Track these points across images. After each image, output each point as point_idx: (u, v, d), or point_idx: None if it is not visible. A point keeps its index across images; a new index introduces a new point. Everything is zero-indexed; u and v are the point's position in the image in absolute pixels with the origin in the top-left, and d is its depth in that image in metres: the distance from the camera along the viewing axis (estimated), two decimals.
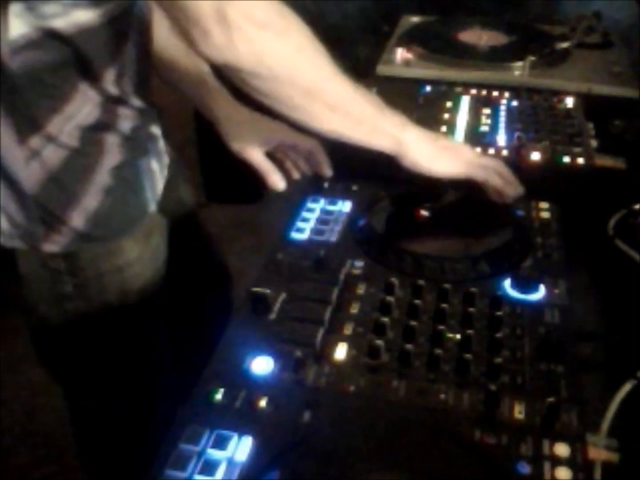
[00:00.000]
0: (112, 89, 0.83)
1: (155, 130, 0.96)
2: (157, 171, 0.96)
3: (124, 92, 0.85)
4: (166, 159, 1.01)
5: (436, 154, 0.90)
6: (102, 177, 0.85)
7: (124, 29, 0.81)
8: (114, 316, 0.95)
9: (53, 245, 0.87)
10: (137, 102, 0.88)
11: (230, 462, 0.59)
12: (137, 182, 0.90)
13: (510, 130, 1.12)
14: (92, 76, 0.80)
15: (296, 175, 1.06)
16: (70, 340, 0.98)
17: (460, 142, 1.06)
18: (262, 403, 0.65)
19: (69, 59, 0.77)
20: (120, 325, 0.97)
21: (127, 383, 1.04)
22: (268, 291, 0.77)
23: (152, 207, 0.95)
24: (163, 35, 0.97)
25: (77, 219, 0.85)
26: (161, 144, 0.98)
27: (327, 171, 1.03)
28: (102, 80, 0.81)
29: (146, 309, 0.98)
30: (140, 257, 0.94)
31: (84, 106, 0.81)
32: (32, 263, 0.90)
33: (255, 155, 0.99)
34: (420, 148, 0.89)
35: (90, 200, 0.85)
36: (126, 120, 0.86)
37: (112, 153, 0.86)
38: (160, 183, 0.97)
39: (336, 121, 0.83)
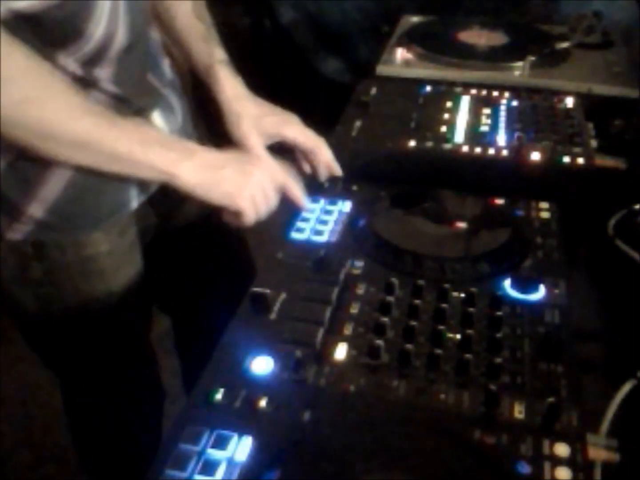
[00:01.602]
0: (79, 71, 0.81)
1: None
2: None
3: (95, 77, 0.83)
4: None
5: (213, 185, 0.86)
6: (65, 167, 0.83)
7: (85, 15, 0.78)
8: (87, 305, 0.95)
9: (17, 234, 0.87)
10: (113, 88, 0.85)
11: (230, 462, 0.59)
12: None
13: (510, 130, 1.12)
14: (55, 55, 0.78)
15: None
16: (50, 326, 0.98)
17: (261, 164, 0.94)
18: (262, 403, 0.65)
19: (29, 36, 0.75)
20: (93, 315, 0.96)
21: (109, 376, 1.04)
22: (268, 291, 0.77)
23: (134, 204, 0.93)
24: (184, 18, 0.99)
25: (37, 210, 0.84)
26: None
27: (335, 170, 1.01)
28: (66, 61, 0.79)
29: (121, 302, 0.98)
30: (112, 251, 0.94)
31: None
32: (2, 246, 0.90)
33: (257, 147, 0.97)
34: (195, 180, 0.85)
35: (50, 191, 0.84)
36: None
37: None
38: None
39: (85, 158, 0.80)
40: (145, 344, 1.10)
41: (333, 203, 0.98)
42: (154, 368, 1.14)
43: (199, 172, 0.85)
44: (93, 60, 0.81)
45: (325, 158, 1.00)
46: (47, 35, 0.76)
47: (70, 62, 0.79)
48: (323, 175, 1.01)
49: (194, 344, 1.14)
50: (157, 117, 0.95)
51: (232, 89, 0.99)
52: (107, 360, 1.03)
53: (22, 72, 0.72)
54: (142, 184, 0.93)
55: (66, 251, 0.90)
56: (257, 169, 0.90)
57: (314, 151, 1.00)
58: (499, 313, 0.75)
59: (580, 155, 1.05)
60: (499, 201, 0.97)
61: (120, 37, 0.82)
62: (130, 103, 0.88)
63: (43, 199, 0.84)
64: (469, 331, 0.72)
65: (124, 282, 0.97)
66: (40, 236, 0.88)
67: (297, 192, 0.94)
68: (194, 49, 1.00)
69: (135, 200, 0.94)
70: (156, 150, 0.82)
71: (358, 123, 1.14)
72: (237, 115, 0.97)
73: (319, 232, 0.91)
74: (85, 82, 0.82)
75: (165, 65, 1.00)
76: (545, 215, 0.95)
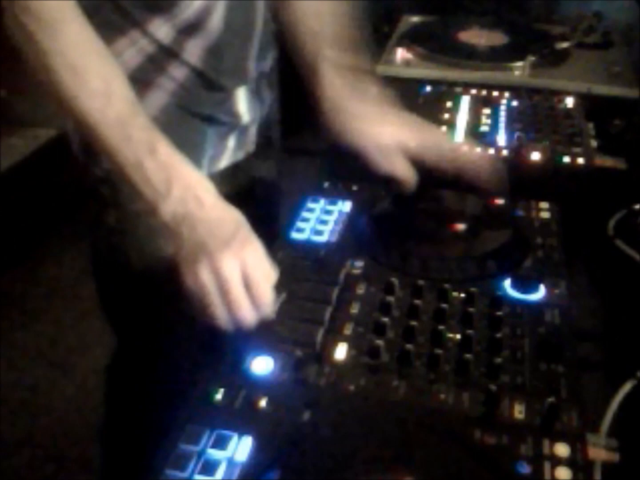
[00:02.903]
0: (167, 40, 0.82)
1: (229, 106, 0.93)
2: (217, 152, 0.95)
3: (182, 48, 0.84)
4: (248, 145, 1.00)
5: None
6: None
7: None
8: (149, 261, 0.92)
9: (97, 170, 0.88)
10: (198, 63, 0.85)
11: (230, 462, 0.59)
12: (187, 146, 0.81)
13: (510, 130, 1.12)
14: (146, 19, 0.80)
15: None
16: (117, 276, 0.97)
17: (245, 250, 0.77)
18: (262, 403, 0.65)
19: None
20: (153, 274, 0.92)
21: (161, 340, 1.01)
22: None
23: (213, 168, 0.94)
24: (304, 8, 0.99)
25: None
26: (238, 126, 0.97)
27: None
28: (156, 28, 0.81)
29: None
30: None
31: (126, 49, 0.81)
32: (87, 187, 0.91)
33: (358, 147, 0.93)
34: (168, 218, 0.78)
35: None
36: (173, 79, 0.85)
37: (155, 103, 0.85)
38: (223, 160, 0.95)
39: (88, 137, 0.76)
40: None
41: (333, 203, 0.98)
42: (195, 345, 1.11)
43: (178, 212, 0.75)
44: (186, 30, 0.82)
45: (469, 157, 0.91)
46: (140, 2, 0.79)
47: (161, 28, 0.81)
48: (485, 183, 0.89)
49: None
50: (241, 99, 0.94)
51: (332, 89, 0.96)
52: (161, 323, 0.99)
53: (73, 44, 0.73)
54: (237, 146, 0.94)
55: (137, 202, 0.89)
56: (231, 255, 0.73)
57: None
58: (499, 313, 0.75)
59: (580, 155, 1.05)
60: (499, 201, 0.97)
61: (219, 14, 0.83)
62: (213, 82, 0.88)
63: None
64: (469, 331, 0.72)
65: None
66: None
67: (265, 296, 0.75)
68: (300, 43, 0.99)
69: (224, 161, 0.94)
70: (151, 174, 0.75)
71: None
72: (336, 114, 0.94)
73: (319, 232, 0.91)
74: (168, 52, 0.83)
75: (270, 57, 1.00)
76: (545, 215, 0.95)
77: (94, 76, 0.74)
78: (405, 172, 0.91)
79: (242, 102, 0.95)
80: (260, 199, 1.09)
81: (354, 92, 0.96)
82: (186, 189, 0.74)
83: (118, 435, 1.16)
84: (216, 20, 0.84)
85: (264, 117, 1.02)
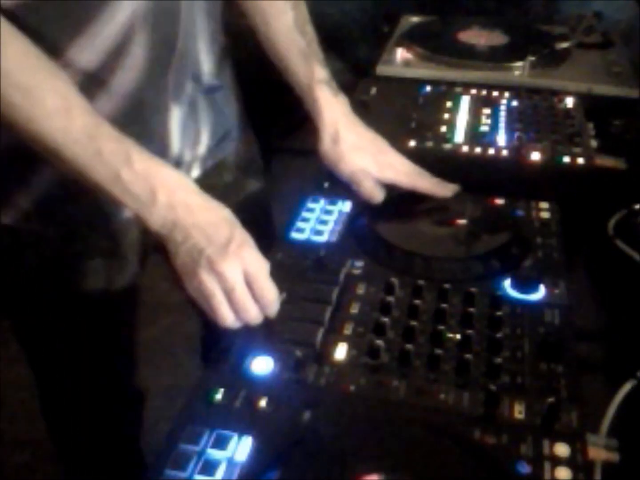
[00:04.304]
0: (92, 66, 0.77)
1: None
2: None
3: (107, 77, 0.79)
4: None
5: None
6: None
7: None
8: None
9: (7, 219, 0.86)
10: (126, 88, 0.80)
11: (230, 462, 0.59)
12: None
13: (510, 130, 1.12)
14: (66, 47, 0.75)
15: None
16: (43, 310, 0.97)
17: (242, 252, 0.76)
18: (262, 403, 0.65)
19: None
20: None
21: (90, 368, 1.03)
22: None
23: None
24: (284, 30, 0.97)
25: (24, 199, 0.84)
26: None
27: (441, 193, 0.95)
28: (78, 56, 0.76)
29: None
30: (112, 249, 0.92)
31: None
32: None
33: (348, 176, 0.96)
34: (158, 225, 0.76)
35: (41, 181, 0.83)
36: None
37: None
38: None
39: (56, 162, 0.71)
40: (129, 342, 1.08)
41: (333, 203, 0.98)
42: (133, 367, 1.11)
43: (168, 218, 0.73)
44: (111, 56, 0.78)
45: (426, 189, 0.95)
46: (56, 25, 0.73)
47: (83, 54, 0.76)
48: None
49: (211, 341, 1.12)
50: (175, 118, 0.89)
51: (330, 112, 0.97)
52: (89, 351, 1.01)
53: (18, 63, 0.67)
54: None
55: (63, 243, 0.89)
56: (230, 259, 0.72)
57: (414, 188, 0.95)
58: (499, 313, 0.75)
59: (580, 155, 1.05)
60: (499, 201, 0.97)
61: (142, 41, 0.79)
62: (145, 105, 0.84)
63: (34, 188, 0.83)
64: (469, 331, 0.72)
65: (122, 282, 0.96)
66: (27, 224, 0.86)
67: (270, 294, 0.75)
68: (292, 65, 0.98)
69: None
70: (133, 184, 0.72)
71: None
72: (333, 141, 0.96)
73: (318, 232, 0.91)
74: (94, 81, 0.78)
75: (207, 72, 0.94)
76: (545, 215, 0.95)
77: (48, 93, 0.69)
78: (370, 193, 0.95)
79: (173, 129, 0.89)
80: (245, 208, 1.08)
81: (348, 117, 0.98)
82: (171, 195, 0.72)
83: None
84: (140, 40, 0.79)
85: (218, 132, 0.98)
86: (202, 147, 0.97)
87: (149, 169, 0.72)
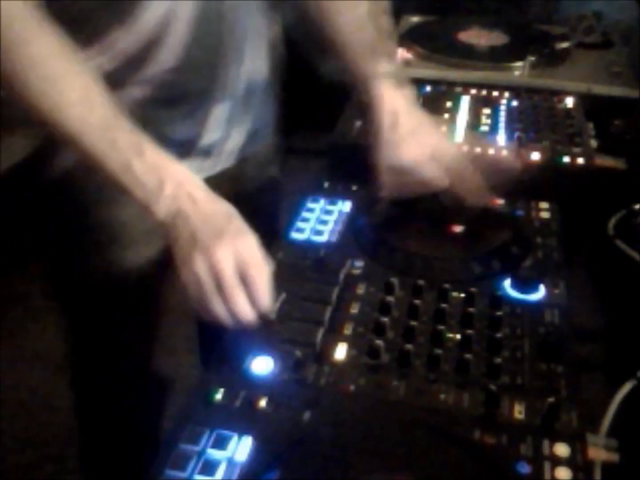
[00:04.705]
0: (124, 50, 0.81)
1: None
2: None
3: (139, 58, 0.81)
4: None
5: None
6: None
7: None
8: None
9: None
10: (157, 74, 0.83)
11: (230, 462, 0.59)
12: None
13: (510, 130, 1.12)
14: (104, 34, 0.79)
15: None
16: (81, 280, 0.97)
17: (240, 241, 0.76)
18: (262, 403, 0.65)
19: None
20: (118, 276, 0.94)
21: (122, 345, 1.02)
22: None
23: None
24: (355, 22, 0.96)
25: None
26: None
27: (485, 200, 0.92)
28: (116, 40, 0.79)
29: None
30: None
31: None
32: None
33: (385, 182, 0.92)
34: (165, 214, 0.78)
35: None
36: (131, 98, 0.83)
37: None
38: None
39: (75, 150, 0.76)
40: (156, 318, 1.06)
41: (333, 203, 0.98)
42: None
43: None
44: (147, 45, 0.81)
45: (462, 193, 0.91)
46: (100, 10, 0.77)
47: (123, 40, 0.80)
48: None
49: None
50: (214, 117, 0.92)
51: (390, 103, 0.93)
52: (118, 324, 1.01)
53: (47, 55, 0.72)
54: (198, 169, 0.92)
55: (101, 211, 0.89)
56: (224, 246, 0.73)
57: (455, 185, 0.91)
58: (499, 313, 0.75)
59: (580, 155, 1.05)
60: (499, 201, 0.97)
61: (182, 25, 0.82)
62: (176, 100, 0.87)
63: None
64: (469, 331, 0.72)
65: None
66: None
67: (263, 286, 0.74)
68: (357, 58, 0.97)
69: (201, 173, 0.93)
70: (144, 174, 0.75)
71: (358, 123, 1.14)
72: (392, 127, 0.92)
73: (319, 232, 0.91)
74: (129, 67, 0.82)
75: (260, 69, 0.97)
76: (545, 215, 0.95)
77: (71, 85, 0.73)
78: (433, 178, 0.90)
79: (213, 122, 0.93)
80: (259, 200, 1.08)
81: (409, 108, 0.95)
82: (178, 187, 0.75)
83: (92, 432, 1.16)
84: (180, 32, 0.82)
85: (251, 129, 0.99)
86: (234, 140, 0.98)
87: (159, 162, 0.75)
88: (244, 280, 0.73)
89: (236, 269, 0.73)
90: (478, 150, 1.06)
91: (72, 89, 0.73)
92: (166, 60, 0.83)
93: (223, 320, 0.73)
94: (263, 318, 0.74)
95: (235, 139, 0.98)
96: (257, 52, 0.96)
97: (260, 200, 1.06)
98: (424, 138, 0.91)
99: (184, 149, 0.91)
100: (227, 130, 0.96)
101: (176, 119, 0.89)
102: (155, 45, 0.82)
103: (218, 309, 0.72)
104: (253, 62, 0.95)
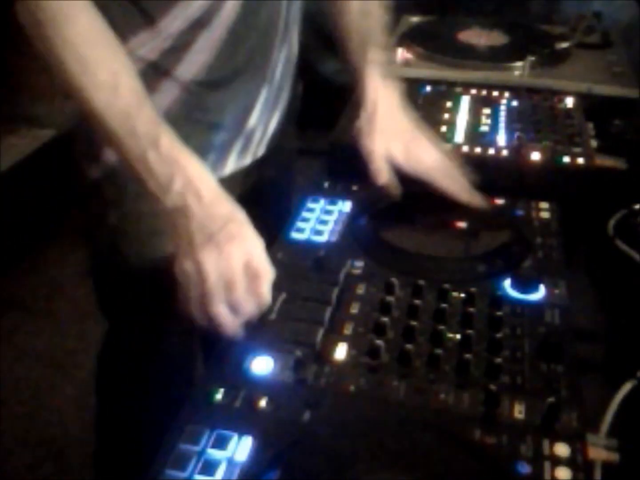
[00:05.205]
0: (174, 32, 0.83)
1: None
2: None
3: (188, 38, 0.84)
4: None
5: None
6: None
7: None
8: (147, 261, 0.93)
9: (96, 173, 0.90)
10: (204, 57, 0.86)
11: (230, 462, 0.59)
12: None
13: (510, 130, 1.12)
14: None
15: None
16: (115, 272, 0.98)
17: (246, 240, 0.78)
18: (262, 403, 0.65)
19: None
20: (151, 274, 0.94)
21: (153, 335, 1.02)
22: None
23: (226, 170, 0.94)
24: (352, 12, 1.00)
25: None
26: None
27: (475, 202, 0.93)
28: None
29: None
30: None
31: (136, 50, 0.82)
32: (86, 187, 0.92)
33: (373, 160, 0.96)
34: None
35: None
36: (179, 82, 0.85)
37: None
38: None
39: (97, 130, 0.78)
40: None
41: (333, 203, 0.98)
42: (192, 344, 1.09)
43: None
44: (197, 24, 0.83)
45: (450, 191, 0.93)
46: None
47: (174, 23, 0.82)
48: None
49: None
50: (259, 102, 0.94)
51: (373, 93, 0.98)
52: (154, 321, 1.00)
53: (83, 36, 0.74)
54: (242, 151, 0.94)
55: (141, 202, 0.88)
56: (234, 243, 0.74)
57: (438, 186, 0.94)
58: (499, 313, 0.75)
59: (580, 155, 1.05)
60: (499, 201, 0.97)
61: (231, 7, 0.84)
62: (222, 82, 0.89)
63: None
64: (469, 331, 0.72)
65: None
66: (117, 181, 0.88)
67: (264, 286, 0.74)
68: (352, 46, 1.01)
69: (229, 166, 0.94)
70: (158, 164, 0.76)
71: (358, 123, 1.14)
72: (369, 119, 0.97)
73: (319, 232, 0.91)
74: (178, 48, 0.84)
75: (288, 52, 0.98)
76: (545, 215, 0.95)
77: (102, 68, 0.75)
78: (378, 175, 0.95)
79: (258, 105, 0.95)
80: (269, 199, 1.08)
81: (390, 101, 0.99)
82: (187, 184, 0.75)
83: (111, 425, 1.16)
84: (229, 10, 0.84)
85: (280, 116, 1.01)
86: (271, 125, 1.00)
87: (173, 155, 0.76)
88: (228, 283, 0.73)
89: (222, 272, 0.73)
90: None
91: (103, 73, 0.75)
92: (213, 43, 0.85)
93: (199, 320, 0.74)
94: (263, 320, 0.74)
95: (272, 124, 1.00)
96: (295, 37, 0.98)
97: (265, 202, 1.06)
98: (395, 137, 0.96)
99: (232, 132, 0.93)
100: (266, 114, 0.98)
101: (224, 102, 0.91)
102: (202, 27, 0.84)
103: (195, 308, 0.73)
104: (292, 46, 0.98)
